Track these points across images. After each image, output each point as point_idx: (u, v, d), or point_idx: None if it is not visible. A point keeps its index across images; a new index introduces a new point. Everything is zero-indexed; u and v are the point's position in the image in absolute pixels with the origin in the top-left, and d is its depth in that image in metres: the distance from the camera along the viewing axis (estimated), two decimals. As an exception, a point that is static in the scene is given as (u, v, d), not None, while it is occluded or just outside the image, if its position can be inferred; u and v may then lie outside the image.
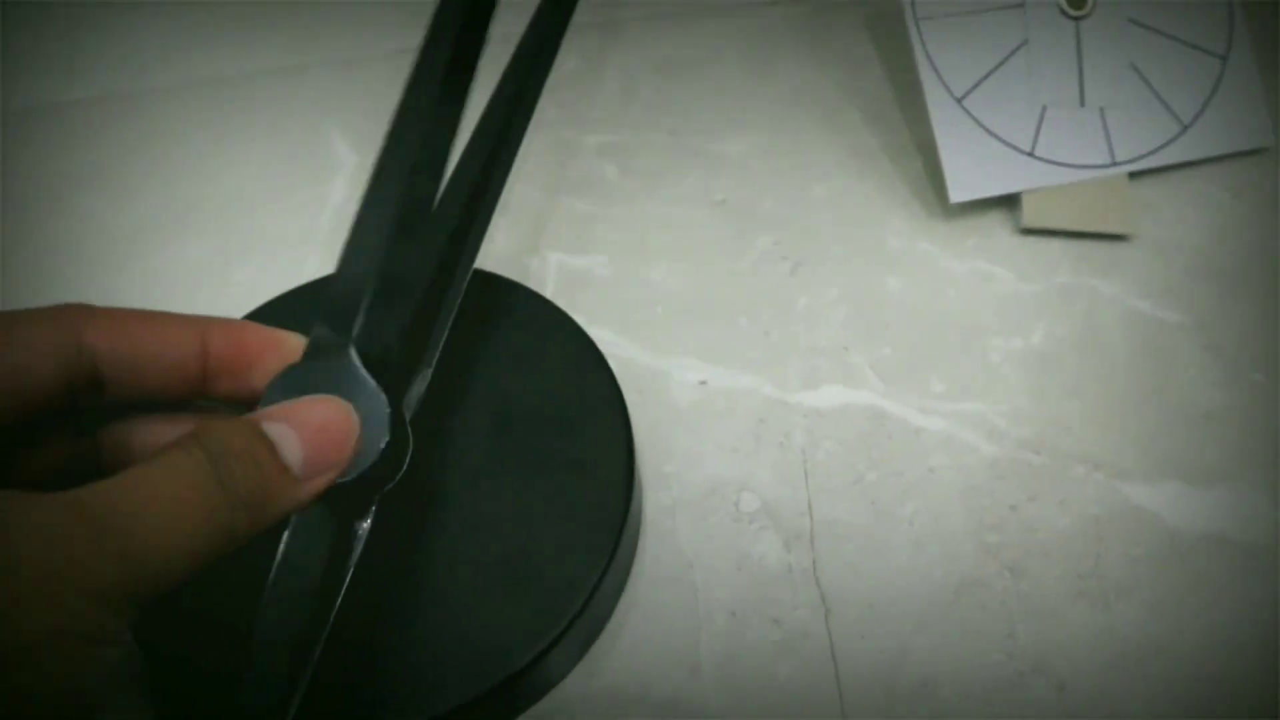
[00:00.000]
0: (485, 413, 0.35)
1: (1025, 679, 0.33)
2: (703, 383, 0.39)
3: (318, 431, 0.25)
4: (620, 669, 0.33)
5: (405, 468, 0.28)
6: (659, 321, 0.41)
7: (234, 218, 0.46)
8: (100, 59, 0.52)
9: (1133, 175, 0.43)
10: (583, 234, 0.44)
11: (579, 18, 0.37)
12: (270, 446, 0.24)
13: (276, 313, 0.37)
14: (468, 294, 0.32)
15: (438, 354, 0.31)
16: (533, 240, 0.43)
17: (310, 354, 0.28)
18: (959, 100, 0.42)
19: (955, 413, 0.38)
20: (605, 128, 0.47)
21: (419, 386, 0.31)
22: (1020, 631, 0.34)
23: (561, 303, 0.37)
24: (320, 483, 0.25)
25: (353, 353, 0.28)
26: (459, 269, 0.33)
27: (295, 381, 0.27)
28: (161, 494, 0.21)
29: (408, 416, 0.29)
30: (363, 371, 0.27)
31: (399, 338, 0.30)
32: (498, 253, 0.43)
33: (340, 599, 0.26)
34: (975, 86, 0.42)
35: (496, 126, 0.34)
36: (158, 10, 0.54)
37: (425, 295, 0.31)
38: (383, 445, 0.26)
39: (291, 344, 0.28)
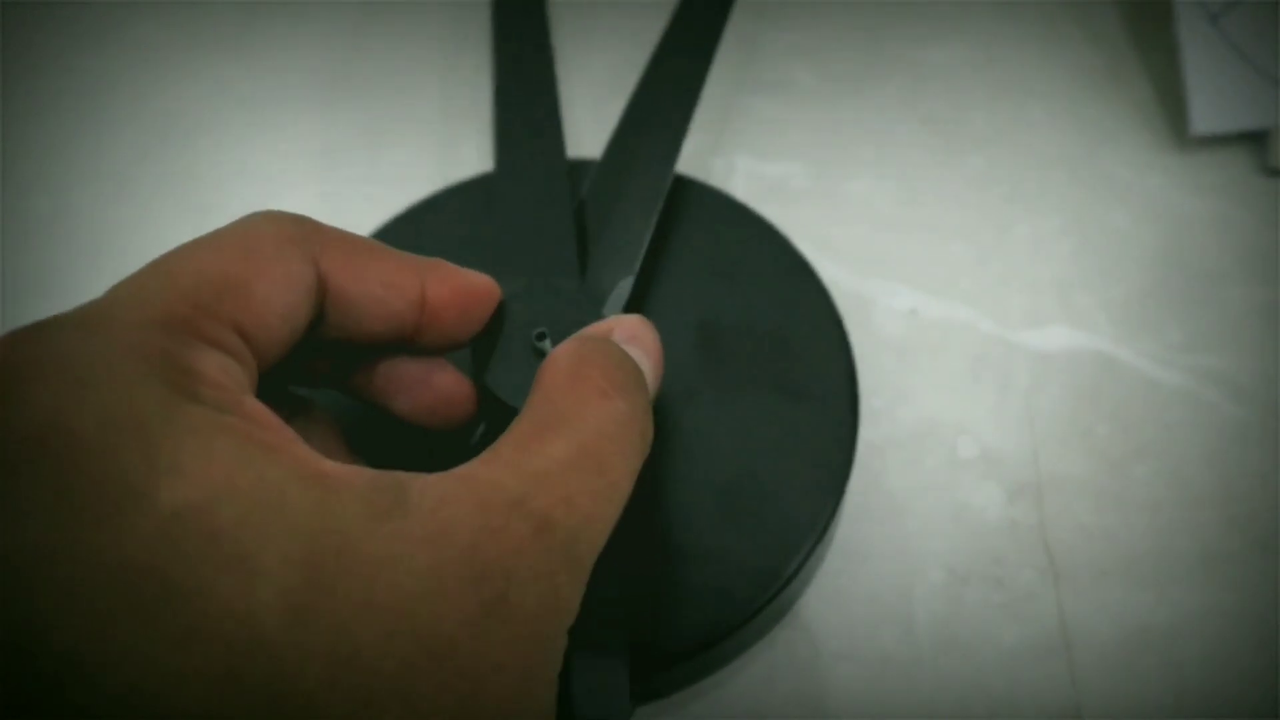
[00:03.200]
0: (689, 326, 0.31)
1: (1282, 671, 0.29)
2: (913, 311, 0.35)
3: (656, 354, 0.23)
4: (827, 620, 0.30)
5: None
6: (862, 240, 0.37)
7: (381, 98, 0.42)
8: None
9: (1398, 118, 0.38)
10: (773, 139, 0.39)
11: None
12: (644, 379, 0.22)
13: (434, 213, 0.33)
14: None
15: (640, 260, 0.29)
16: (717, 141, 0.39)
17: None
18: (1214, 18, 0.37)
19: (1195, 367, 0.34)
20: (796, 24, 0.42)
21: (621, 294, 0.28)
22: (1275, 619, 0.30)
23: (752, 211, 0.34)
24: None
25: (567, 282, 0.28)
26: (662, 163, 0.31)
27: (517, 313, 0.26)
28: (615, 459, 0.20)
29: None
30: (582, 297, 0.27)
31: (605, 246, 0.29)
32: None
33: None
34: (1233, 3, 0.37)
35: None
36: None
37: (630, 195, 0.30)
38: None
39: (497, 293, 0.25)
